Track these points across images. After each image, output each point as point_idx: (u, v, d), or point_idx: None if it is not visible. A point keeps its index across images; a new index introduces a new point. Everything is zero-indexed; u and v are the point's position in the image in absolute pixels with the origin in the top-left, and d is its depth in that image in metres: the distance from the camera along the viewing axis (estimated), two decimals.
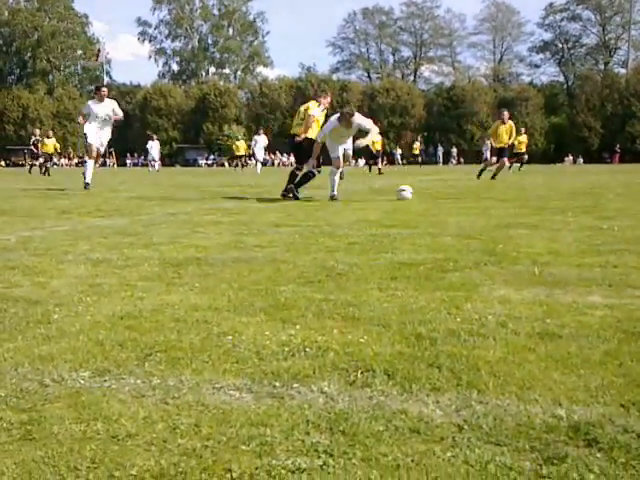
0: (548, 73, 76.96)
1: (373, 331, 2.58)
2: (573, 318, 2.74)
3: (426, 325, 2.65)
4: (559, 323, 2.66)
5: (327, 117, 10.69)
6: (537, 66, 77.62)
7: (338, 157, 10.31)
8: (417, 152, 44.27)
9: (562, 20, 74.69)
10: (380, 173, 25.27)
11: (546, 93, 67.52)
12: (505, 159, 17.45)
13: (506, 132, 17.31)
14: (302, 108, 10.96)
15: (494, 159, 17.93)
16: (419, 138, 50.12)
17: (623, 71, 68.17)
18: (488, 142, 37.46)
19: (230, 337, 2.50)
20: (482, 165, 19.46)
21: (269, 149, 37.52)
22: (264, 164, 31.07)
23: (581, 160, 55.52)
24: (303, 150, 10.58)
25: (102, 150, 13.30)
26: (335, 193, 10.21)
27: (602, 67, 72.19)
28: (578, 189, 12.75)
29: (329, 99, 11.09)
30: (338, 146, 10.27)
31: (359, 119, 10.09)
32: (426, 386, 2.00)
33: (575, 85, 69.05)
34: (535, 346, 2.37)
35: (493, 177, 17.08)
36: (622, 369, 2.12)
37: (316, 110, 10.70)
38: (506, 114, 17.74)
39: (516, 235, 5.42)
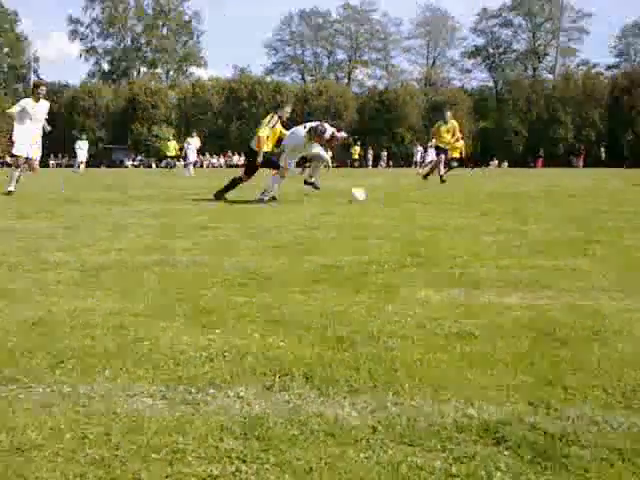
0: (479, 78, 78.54)
1: (294, 334, 2.57)
2: (489, 318, 2.80)
3: (347, 327, 2.67)
4: (475, 323, 2.72)
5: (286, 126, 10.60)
6: (468, 71, 79.25)
7: (288, 168, 10.16)
8: (356, 157, 44.42)
9: (495, 26, 76.49)
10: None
11: (476, 98, 68.98)
12: (442, 156, 17.61)
13: (447, 131, 17.43)
14: (266, 120, 10.65)
15: (442, 158, 18.04)
16: (358, 142, 50.42)
17: (550, 77, 70.38)
18: (420, 146, 37.82)
19: (147, 342, 2.46)
20: (431, 168, 19.44)
21: (200, 151, 37.09)
22: (195, 166, 30.69)
23: (506, 164, 56.96)
24: (255, 162, 10.48)
25: (33, 156, 11.83)
26: (266, 198, 10.09)
27: (531, 73, 74.24)
28: (500, 192, 13.06)
29: (288, 110, 10.82)
30: (295, 155, 10.12)
31: (322, 141, 9.96)
32: (344, 389, 2.01)
33: (504, 90, 70.78)
34: (451, 346, 2.41)
35: (425, 177, 17.19)
36: (533, 368, 2.17)
37: (276, 123, 10.51)
38: (448, 114, 17.89)
39: (437, 237, 5.51)
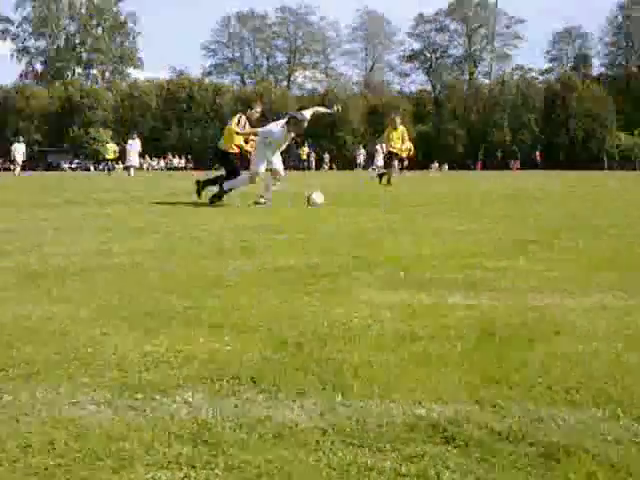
0: (417, 82, 79.49)
1: (240, 338, 2.55)
2: (434, 319, 2.84)
3: (294, 330, 2.66)
4: (421, 324, 2.75)
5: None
6: (406, 75, 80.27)
7: (257, 173, 9.97)
8: (305, 157, 44.51)
9: (431, 31, 77.69)
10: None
11: (415, 101, 69.86)
12: (395, 162, 17.68)
13: (398, 137, 17.45)
14: (234, 120, 10.49)
15: (395, 163, 18.06)
16: (306, 143, 50.38)
17: (487, 81, 71.84)
18: (362, 149, 37.96)
19: (90, 349, 2.40)
20: (378, 171, 19.42)
21: (141, 153, 36.44)
22: (137, 168, 30.17)
23: (446, 167, 57.88)
24: (231, 163, 10.38)
25: None
26: (219, 199, 9.93)
27: (467, 77, 75.64)
28: (444, 194, 13.27)
29: (258, 110, 10.72)
30: (265, 159, 9.91)
31: (301, 129, 9.89)
32: (292, 391, 2.00)
33: (442, 94, 71.89)
34: (398, 347, 2.43)
35: (388, 182, 17.17)
36: (479, 367, 2.21)
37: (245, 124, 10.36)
38: (397, 120, 17.82)
39: (383, 239, 5.56)
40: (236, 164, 10.42)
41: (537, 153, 54.69)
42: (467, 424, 1.75)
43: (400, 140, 17.45)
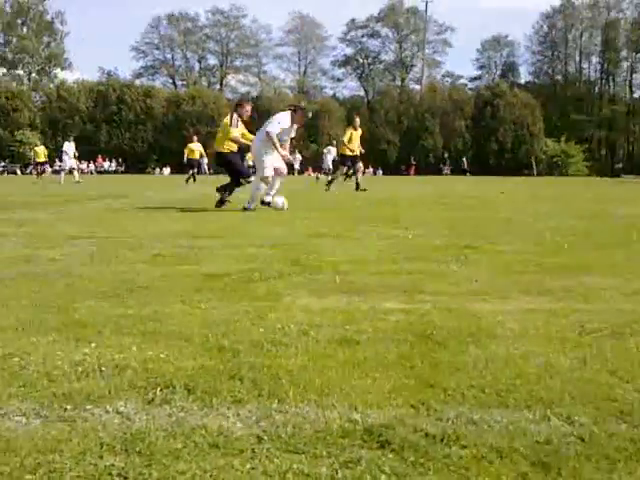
0: (350, 87, 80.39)
1: (174, 346, 2.51)
2: (370, 324, 2.85)
3: (229, 337, 2.63)
4: (357, 329, 2.76)
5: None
6: (339, 80, 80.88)
7: (273, 171, 9.66)
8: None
9: (363, 36, 78.50)
10: (194, 181, 24.92)
11: (348, 106, 70.41)
12: (360, 165, 17.62)
13: (357, 139, 17.45)
14: (225, 121, 10.39)
15: (345, 169, 17.94)
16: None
17: (418, 87, 72.98)
18: (298, 154, 37.78)
19: (17, 359, 2.32)
20: (329, 176, 19.33)
21: (77, 157, 35.33)
22: (72, 172, 29.17)
23: (381, 172, 58.54)
24: (231, 164, 10.21)
25: None
26: (252, 206, 9.69)
27: (399, 83, 76.70)
28: (378, 199, 13.41)
29: (248, 108, 10.52)
30: (272, 157, 9.62)
31: (304, 119, 9.80)
32: (227, 399, 1.97)
33: (375, 100, 72.68)
34: (334, 352, 2.43)
35: (357, 188, 17.03)
36: (413, 371, 2.23)
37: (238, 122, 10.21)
38: (357, 121, 17.80)
39: (320, 244, 5.58)
40: (236, 164, 10.26)
41: (464, 160, 55.89)
42: (402, 428, 1.76)
43: (358, 142, 17.48)
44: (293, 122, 9.62)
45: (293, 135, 10.00)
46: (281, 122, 9.55)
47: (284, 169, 9.95)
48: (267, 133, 9.41)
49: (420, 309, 3.14)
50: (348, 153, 17.56)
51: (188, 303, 3.24)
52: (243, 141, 10.16)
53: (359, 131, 17.61)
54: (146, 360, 2.33)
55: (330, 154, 30.79)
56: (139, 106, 63.17)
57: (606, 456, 1.60)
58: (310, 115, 9.93)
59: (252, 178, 10.26)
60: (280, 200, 9.51)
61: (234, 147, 10.25)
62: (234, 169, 10.31)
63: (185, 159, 26.53)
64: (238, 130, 10.14)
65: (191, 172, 25.75)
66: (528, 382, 2.11)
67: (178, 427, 1.77)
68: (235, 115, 10.25)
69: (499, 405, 1.94)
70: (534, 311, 3.11)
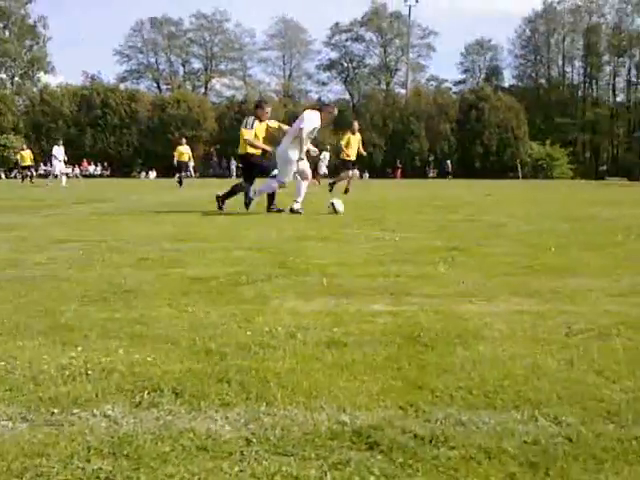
0: (335, 91, 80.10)
1: (161, 349, 2.50)
2: (358, 326, 2.85)
3: (217, 340, 2.63)
4: (345, 331, 2.76)
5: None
6: (324, 84, 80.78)
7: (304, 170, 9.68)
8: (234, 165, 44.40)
9: (347, 40, 78.49)
10: (180, 184, 24.79)
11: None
12: (356, 171, 17.49)
13: (356, 143, 17.28)
14: (244, 122, 10.23)
15: (350, 172, 17.76)
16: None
17: (403, 91, 73.15)
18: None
19: (3, 363, 2.30)
20: (331, 179, 19.17)
21: (66, 161, 35.04)
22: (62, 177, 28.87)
23: (367, 175, 58.61)
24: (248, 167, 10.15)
25: None
26: (297, 207, 9.62)
27: (384, 87, 76.83)
28: (365, 202, 13.42)
29: (268, 110, 10.40)
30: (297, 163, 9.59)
31: (332, 116, 9.84)
32: (215, 402, 1.97)
33: (360, 103, 72.74)
34: (322, 355, 2.43)
35: (346, 192, 16.96)
36: (401, 373, 2.23)
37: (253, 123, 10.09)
38: (356, 125, 17.66)
39: (307, 247, 5.57)
40: (254, 169, 10.11)
41: (448, 162, 56.17)
42: (391, 429, 1.77)
43: (357, 146, 17.35)
44: (322, 121, 9.61)
45: (314, 135, 9.88)
46: (312, 120, 9.53)
47: (309, 173, 9.92)
48: (300, 130, 9.38)
49: (407, 311, 3.15)
50: (346, 158, 17.46)
51: (175, 306, 3.23)
52: (257, 143, 10.04)
53: (357, 135, 17.44)
54: (133, 363, 2.32)
55: (324, 160, 30.39)
56: (124, 110, 62.84)
57: (593, 456, 1.61)
58: (336, 112, 9.87)
59: (275, 172, 9.92)
60: (339, 205, 9.52)
61: (255, 150, 10.09)
62: (249, 173, 10.19)
63: (175, 162, 26.48)
64: (254, 130, 10.01)
65: (182, 174, 25.73)
66: (516, 383, 2.12)
67: (166, 430, 1.76)
68: (251, 118, 10.15)
69: (487, 406, 1.94)
70: (521, 312, 3.12)
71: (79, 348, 2.49)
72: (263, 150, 10.11)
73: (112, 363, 2.32)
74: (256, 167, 10.09)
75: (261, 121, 10.15)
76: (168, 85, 77.62)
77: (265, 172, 10.04)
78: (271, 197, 10.11)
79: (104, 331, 2.75)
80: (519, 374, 2.21)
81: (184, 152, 26.55)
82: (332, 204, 9.57)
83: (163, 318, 2.99)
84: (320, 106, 9.86)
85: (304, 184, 9.79)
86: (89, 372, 2.22)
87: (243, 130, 10.01)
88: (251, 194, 9.80)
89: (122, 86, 70.22)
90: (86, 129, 62.28)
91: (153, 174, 56.25)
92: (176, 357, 2.40)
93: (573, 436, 1.72)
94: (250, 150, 10.02)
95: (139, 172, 59.36)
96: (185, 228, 7.40)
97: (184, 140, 27.99)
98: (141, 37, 77.82)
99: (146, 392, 2.04)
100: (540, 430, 1.76)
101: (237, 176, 52.01)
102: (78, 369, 2.25)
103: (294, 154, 9.45)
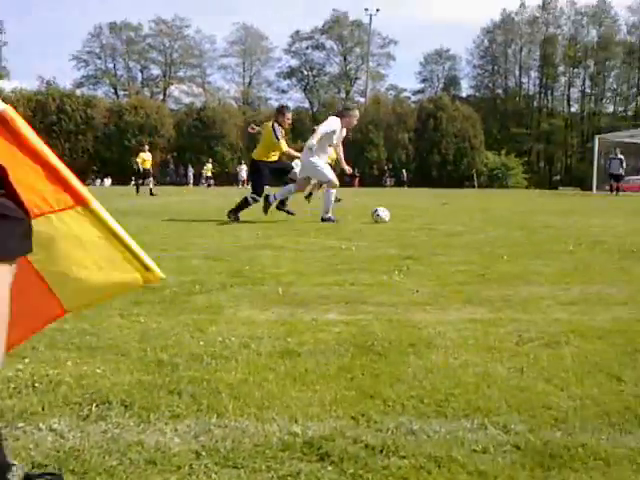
0: (295, 99, 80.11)
1: (111, 360, 2.46)
2: (312, 335, 2.85)
3: (168, 350, 2.59)
4: (299, 341, 2.75)
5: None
6: (284, 91, 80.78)
7: (332, 180, 9.62)
8: (209, 174, 44.41)
9: (307, 48, 78.74)
10: (152, 194, 24.35)
11: (293, 118, 70.39)
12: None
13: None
14: (268, 129, 10.09)
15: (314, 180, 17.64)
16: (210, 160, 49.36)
17: (362, 100, 73.59)
18: (243, 164, 37.10)
19: None
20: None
21: None
22: None
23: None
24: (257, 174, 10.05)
25: None
26: (330, 216, 9.62)
27: (344, 95, 77.20)
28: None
29: (289, 116, 10.46)
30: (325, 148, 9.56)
31: (354, 120, 9.77)
32: (165, 414, 1.94)
33: (319, 111, 72.92)
34: (275, 365, 2.42)
35: (337, 199, 16.79)
36: (354, 382, 2.23)
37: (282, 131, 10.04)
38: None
39: (263, 256, 5.55)
40: (263, 177, 10.04)
41: (404, 172, 56.83)
42: (342, 440, 1.76)
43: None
44: (343, 126, 9.62)
45: (336, 141, 9.84)
46: (330, 124, 9.52)
47: (335, 180, 9.89)
48: (312, 130, 9.53)
49: (362, 320, 3.16)
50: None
51: (126, 317, 3.19)
52: (295, 154, 10.14)
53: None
54: (81, 375, 2.27)
55: (297, 167, 30.31)
56: (79, 116, 61.94)
57: (541, 464, 1.63)
58: (358, 115, 9.87)
59: (260, 198, 9.92)
60: (385, 214, 9.53)
61: (272, 157, 10.07)
62: (257, 181, 10.16)
63: (140, 168, 26.01)
64: (284, 141, 10.04)
65: (148, 180, 25.40)
66: (466, 391, 2.14)
67: (114, 444, 1.73)
68: (276, 125, 10.04)
69: (438, 415, 1.95)
70: (474, 321, 3.15)
71: (26, 360, 2.44)
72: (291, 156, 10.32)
73: (60, 375, 2.27)
74: (265, 175, 10.09)
75: (283, 127, 10.16)
76: (126, 91, 76.76)
77: (282, 174, 10.16)
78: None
79: (52, 342, 2.69)
80: (470, 382, 2.23)
81: (146, 159, 26.13)
82: (376, 213, 9.58)
83: (113, 329, 2.94)
84: (340, 112, 9.81)
85: (331, 193, 9.87)
86: (36, 384, 2.17)
87: (278, 142, 9.93)
88: (271, 199, 9.82)
89: (78, 92, 69.18)
90: (41, 135, 61.03)
91: (108, 181, 55.52)
92: (126, 368, 2.36)
93: (521, 444, 1.74)
94: (262, 156, 10.03)
95: (94, 179, 58.55)
96: (139, 236, 7.30)
97: (147, 147, 27.50)
98: (99, 42, 76.89)
99: (94, 405, 2.01)
100: (489, 438, 1.78)
101: (194, 184, 51.72)
102: (25, 382, 2.20)
103: (317, 160, 9.54)
